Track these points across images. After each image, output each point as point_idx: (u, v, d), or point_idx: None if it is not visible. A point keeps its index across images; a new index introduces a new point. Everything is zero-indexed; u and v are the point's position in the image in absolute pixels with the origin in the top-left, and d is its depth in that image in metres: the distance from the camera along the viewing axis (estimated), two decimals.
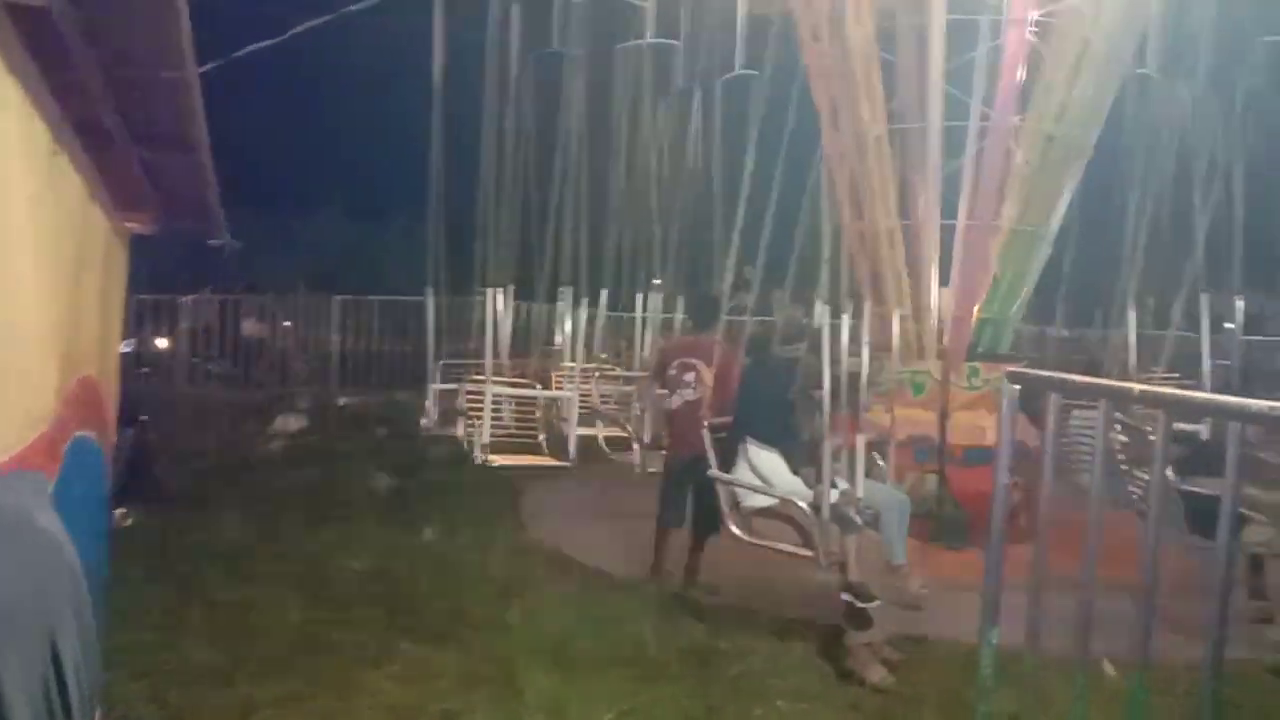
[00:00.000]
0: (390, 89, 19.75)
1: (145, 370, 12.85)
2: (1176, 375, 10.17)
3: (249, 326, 14.37)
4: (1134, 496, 6.00)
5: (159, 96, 1.87)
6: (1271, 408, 1.67)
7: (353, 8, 9.39)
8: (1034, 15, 7.69)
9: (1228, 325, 8.80)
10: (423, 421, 8.73)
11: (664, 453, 6.39)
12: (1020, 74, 7.78)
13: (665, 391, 6.29)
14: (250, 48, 6.25)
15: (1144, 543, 2.90)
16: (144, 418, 7.68)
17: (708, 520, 5.68)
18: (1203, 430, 5.94)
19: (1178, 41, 8.30)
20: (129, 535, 6.49)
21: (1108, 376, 7.96)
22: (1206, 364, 8.25)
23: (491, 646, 5.06)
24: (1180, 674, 3.91)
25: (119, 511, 6.56)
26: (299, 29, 6.70)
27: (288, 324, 14.88)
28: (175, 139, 2.15)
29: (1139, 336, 8.71)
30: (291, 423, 11.52)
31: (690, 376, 6.08)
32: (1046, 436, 3.47)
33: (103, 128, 2.04)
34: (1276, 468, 5.40)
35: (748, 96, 9.69)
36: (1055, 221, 8.17)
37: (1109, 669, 4.57)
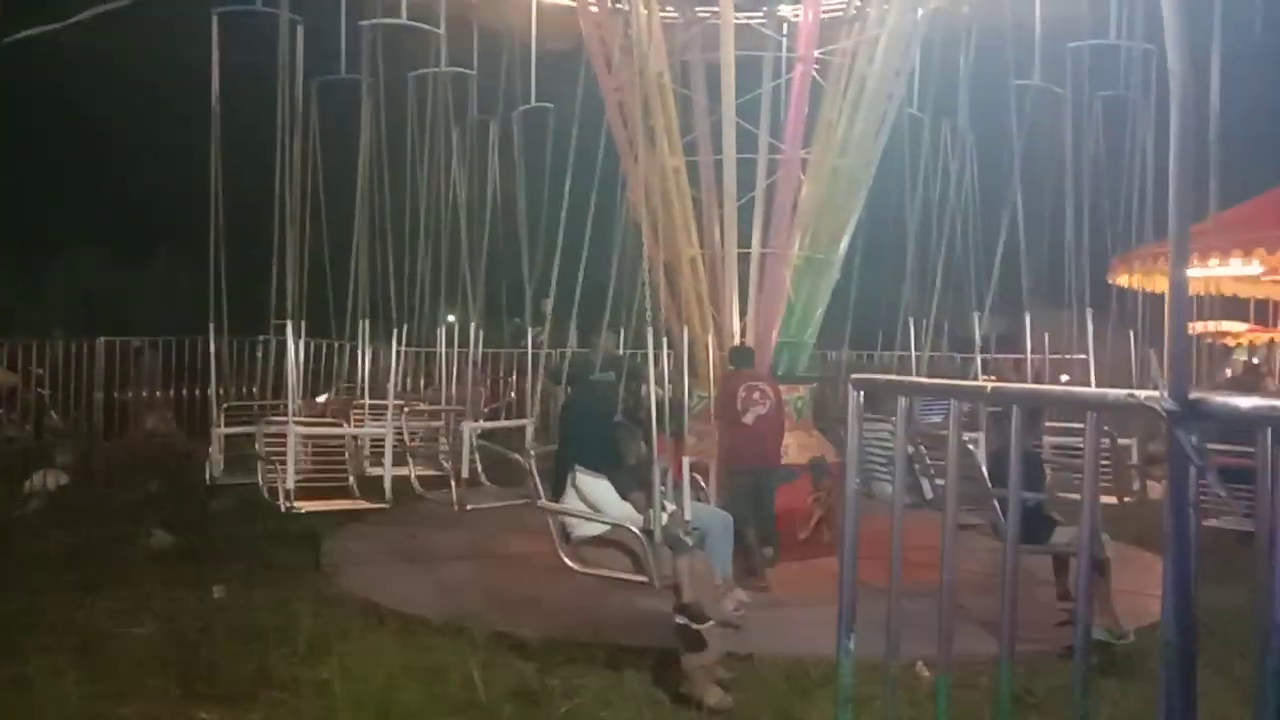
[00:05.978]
0: (159, 116, 18.49)
1: None
2: None
3: None
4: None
5: None
6: (1129, 395, 1.77)
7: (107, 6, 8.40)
8: (816, 53, 8.16)
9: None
10: (208, 470, 8.06)
11: (728, 467, 6.98)
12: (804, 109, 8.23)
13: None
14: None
15: (946, 545, 2.98)
16: None
17: (767, 524, 6.90)
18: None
19: (941, 85, 8.99)
20: None
21: None
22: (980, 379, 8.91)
23: (302, 708, 4.71)
24: (985, 669, 4.11)
25: None
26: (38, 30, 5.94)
27: (40, 371, 13.42)
28: None
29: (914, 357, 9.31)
30: (50, 479, 10.36)
31: (758, 395, 7.13)
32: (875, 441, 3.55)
33: None
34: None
35: (544, 127, 9.71)
36: (842, 249, 8.64)
37: (923, 670, 4.81)
